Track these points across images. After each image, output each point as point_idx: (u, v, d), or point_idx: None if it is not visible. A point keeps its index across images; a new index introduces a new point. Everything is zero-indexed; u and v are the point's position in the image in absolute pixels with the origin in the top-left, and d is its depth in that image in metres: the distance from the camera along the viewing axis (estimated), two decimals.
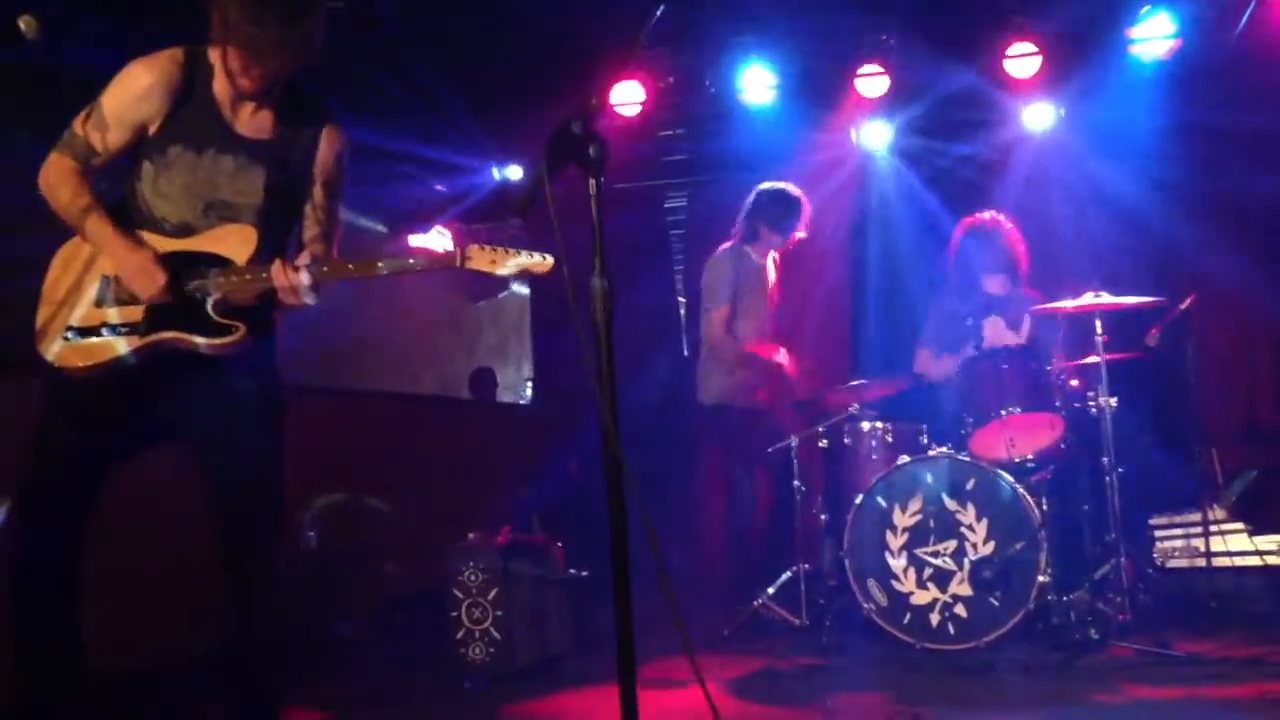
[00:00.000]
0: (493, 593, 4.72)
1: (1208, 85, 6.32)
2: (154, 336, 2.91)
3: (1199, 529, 5.34)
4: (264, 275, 2.92)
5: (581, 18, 5.73)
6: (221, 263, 2.96)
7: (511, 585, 4.75)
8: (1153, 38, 6.20)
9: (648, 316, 7.73)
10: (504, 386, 8.71)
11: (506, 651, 4.69)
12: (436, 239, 7.82)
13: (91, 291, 2.95)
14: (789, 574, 5.37)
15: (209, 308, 2.94)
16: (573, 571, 5.17)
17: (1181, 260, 6.39)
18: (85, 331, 2.93)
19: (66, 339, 2.92)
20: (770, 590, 5.37)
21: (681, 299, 8.10)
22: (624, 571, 2.13)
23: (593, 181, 2.11)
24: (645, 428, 6.50)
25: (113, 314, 2.93)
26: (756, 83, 6.69)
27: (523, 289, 8.86)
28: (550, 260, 2.84)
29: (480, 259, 2.89)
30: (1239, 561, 5.34)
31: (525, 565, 4.87)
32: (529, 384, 8.87)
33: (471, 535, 4.90)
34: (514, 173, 7.71)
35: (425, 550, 5.29)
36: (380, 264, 2.96)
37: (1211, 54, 6.24)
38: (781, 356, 5.70)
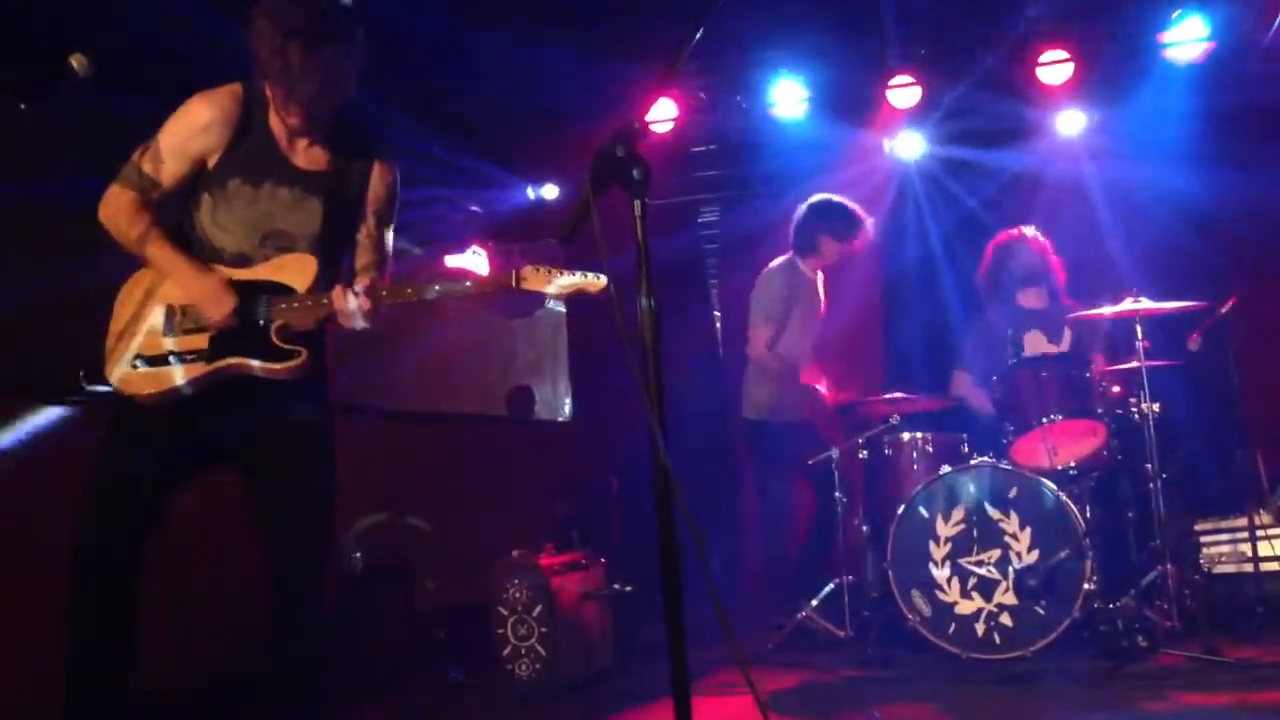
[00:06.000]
0: (538, 609, 4.75)
1: (1241, 87, 6.28)
2: (220, 363, 2.98)
3: (1245, 534, 5.29)
4: (325, 300, 2.99)
5: (617, 37, 5.77)
6: (281, 290, 3.02)
7: (556, 602, 4.79)
8: (1185, 41, 6.17)
9: (685, 332, 7.77)
10: (541, 403, 8.74)
11: (552, 667, 4.73)
12: (472, 259, 7.87)
13: (154, 320, 3.01)
14: (832, 586, 5.37)
15: (272, 334, 3.00)
16: (615, 587, 5.20)
17: (1220, 263, 6.35)
18: (153, 360, 2.98)
19: (135, 367, 2.98)
20: (814, 602, 5.37)
21: (717, 313, 8.12)
22: (675, 583, 2.14)
23: (638, 203, 2.14)
24: (686, 442, 6.51)
25: (178, 342, 2.99)
26: (787, 97, 6.70)
27: (559, 306, 8.88)
28: (604, 279, 2.86)
29: (535, 280, 2.91)
30: None
31: (569, 582, 4.91)
32: (567, 401, 8.90)
33: (515, 553, 4.94)
34: (548, 192, 7.75)
35: (469, 568, 5.33)
36: (437, 286, 3.00)
37: (1245, 56, 6.20)
38: (822, 387, 5.68)
